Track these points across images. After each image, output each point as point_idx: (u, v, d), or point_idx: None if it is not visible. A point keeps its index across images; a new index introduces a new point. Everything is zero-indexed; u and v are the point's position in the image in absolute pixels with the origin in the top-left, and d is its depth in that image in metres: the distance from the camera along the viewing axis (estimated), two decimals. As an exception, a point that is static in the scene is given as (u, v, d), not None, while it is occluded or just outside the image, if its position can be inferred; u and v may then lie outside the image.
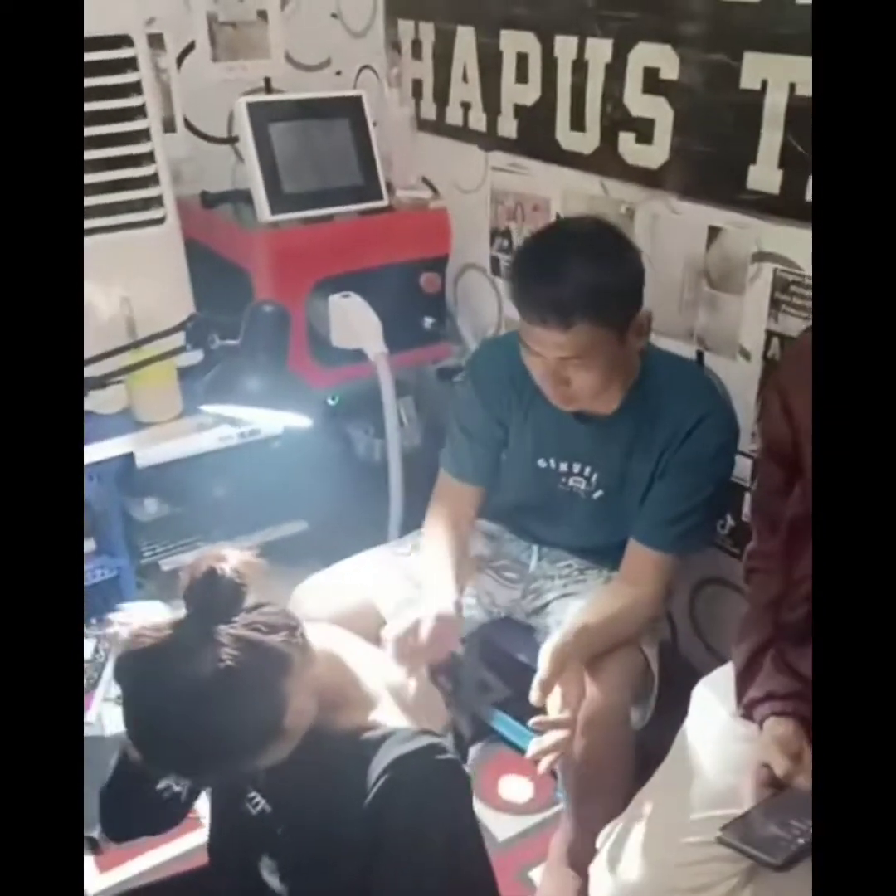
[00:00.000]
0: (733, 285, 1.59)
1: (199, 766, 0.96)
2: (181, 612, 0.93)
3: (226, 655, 0.90)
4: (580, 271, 1.26)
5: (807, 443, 1.16)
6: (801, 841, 1.00)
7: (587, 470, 1.53)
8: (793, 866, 0.99)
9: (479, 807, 1.74)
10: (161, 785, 1.15)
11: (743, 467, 1.67)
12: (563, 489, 1.56)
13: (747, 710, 1.18)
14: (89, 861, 1.65)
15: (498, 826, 1.73)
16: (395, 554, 1.68)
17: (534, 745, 1.23)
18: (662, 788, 1.24)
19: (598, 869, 1.25)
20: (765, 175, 1.46)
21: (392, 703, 1.08)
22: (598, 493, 1.53)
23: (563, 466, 1.54)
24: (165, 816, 1.19)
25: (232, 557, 0.95)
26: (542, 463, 1.55)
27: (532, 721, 1.25)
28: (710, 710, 1.25)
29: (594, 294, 1.26)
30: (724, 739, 1.20)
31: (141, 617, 0.94)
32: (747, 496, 1.67)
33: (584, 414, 1.47)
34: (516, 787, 1.82)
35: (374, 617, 1.55)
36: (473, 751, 1.88)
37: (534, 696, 1.24)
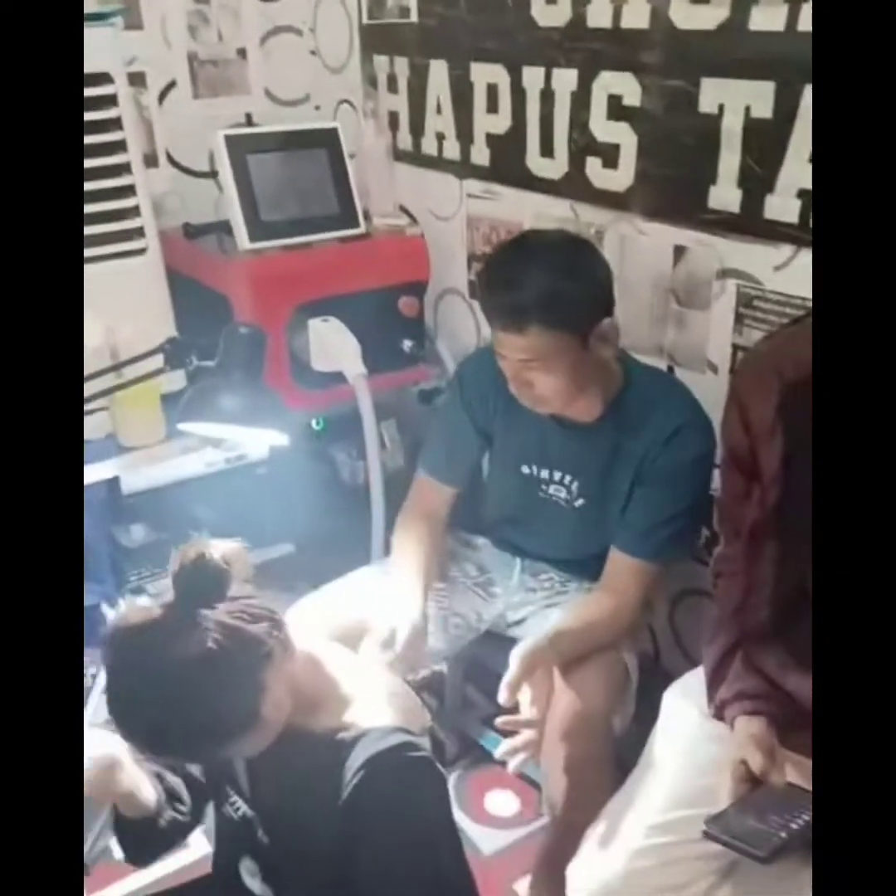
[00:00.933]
0: (699, 302, 1.64)
1: (174, 745, 0.99)
2: (169, 596, 0.97)
3: (208, 638, 0.93)
4: (535, 278, 1.32)
5: (763, 449, 1.19)
6: (782, 835, 1.03)
7: (567, 478, 1.56)
8: (776, 859, 1.02)
9: (465, 821, 1.77)
10: (165, 817, 1.18)
11: (715, 479, 1.71)
12: (544, 497, 1.60)
13: (718, 711, 1.21)
14: (77, 884, 1.66)
15: (484, 840, 1.75)
16: (385, 573, 1.70)
17: (503, 745, 1.26)
18: (636, 790, 1.26)
19: (573, 870, 1.27)
20: (725, 195, 1.52)
21: (367, 703, 1.10)
22: (579, 502, 1.56)
23: (545, 473, 1.58)
24: (173, 838, 1.23)
25: (219, 546, 0.98)
26: (525, 469, 1.59)
27: (499, 721, 1.28)
28: (681, 713, 1.28)
29: (548, 299, 1.31)
30: (695, 740, 1.23)
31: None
32: (719, 506, 1.71)
33: (566, 421, 1.51)
34: (502, 802, 1.83)
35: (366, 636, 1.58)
36: (460, 766, 1.89)
37: (501, 695, 1.27)
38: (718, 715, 1.20)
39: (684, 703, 1.28)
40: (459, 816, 1.77)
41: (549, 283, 1.32)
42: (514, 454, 1.59)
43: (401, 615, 1.43)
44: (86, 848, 1.67)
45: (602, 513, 1.55)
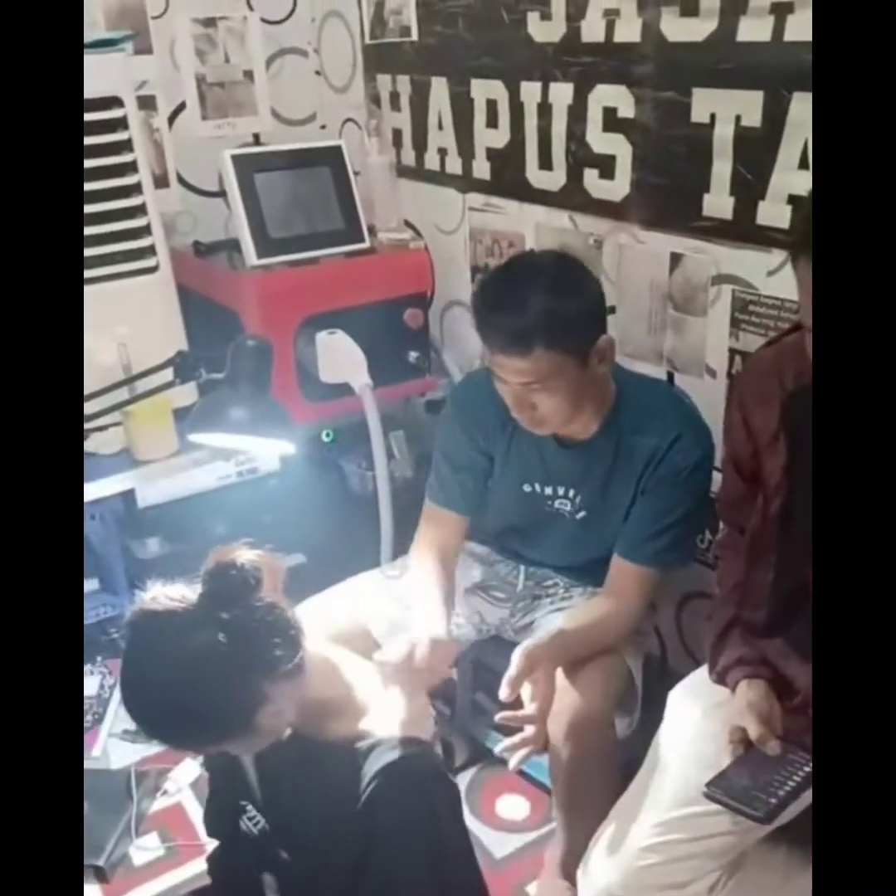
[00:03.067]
0: (696, 308, 1.67)
1: (168, 731, 1.02)
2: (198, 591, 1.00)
3: (217, 638, 0.95)
4: (536, 300, 1.32)
5: (766, 457, 1.21)
6: (779, 794, 1.08)
7: (571, 492, 1.58)
8: (772, 820, 1.08)
9: (476, 825, 1.78)
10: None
11: (718, 483, 1.73)
12: (548, 511, 1.62)
13: (720, 677, 1.25)
14: (96, 890, 1.69)
15: (495, 844, 1.76)
16: (386, 576, 1.74)
17: (504, 742, 1.28)
18: (642, 789, 1.27)
19: (583, 873, 1.28)
20: (718, 202, 1.55)
21: (382, 712, 1.12)
22: (581, 514, 1.58)
23: (548, 490, 1.59)
24: None
25: (253, 555, 1.01)
26: (527, 488, 1.61)
27: (498, 717, 1.30)
28: (684, 711, 1.30)
29: (550, 321, 1.32)
30: (698, 738, 1.24)
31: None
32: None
33: (564, 439, 1.53)
34: (513, 806, 1.84)
35: (366, 638, 1.61)
36: (471, 772, 1.91)
37: (503, 692, 1.30)
38: (720, 681, 1.24)
39: (689, 701, 1.30)
40: (471, 821, 1.79)
41: (549, 304, 1.32)
42: (515, 473, 1.60)
43: (422, 631, 1.36)
44: (105, 854, 1.71)
45: (604, 523, 1.57)
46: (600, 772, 1.46)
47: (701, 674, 1.33)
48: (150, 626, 0.99)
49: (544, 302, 1.32)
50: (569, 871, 1.56)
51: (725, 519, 1.39)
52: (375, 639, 1.62)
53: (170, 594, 0.99)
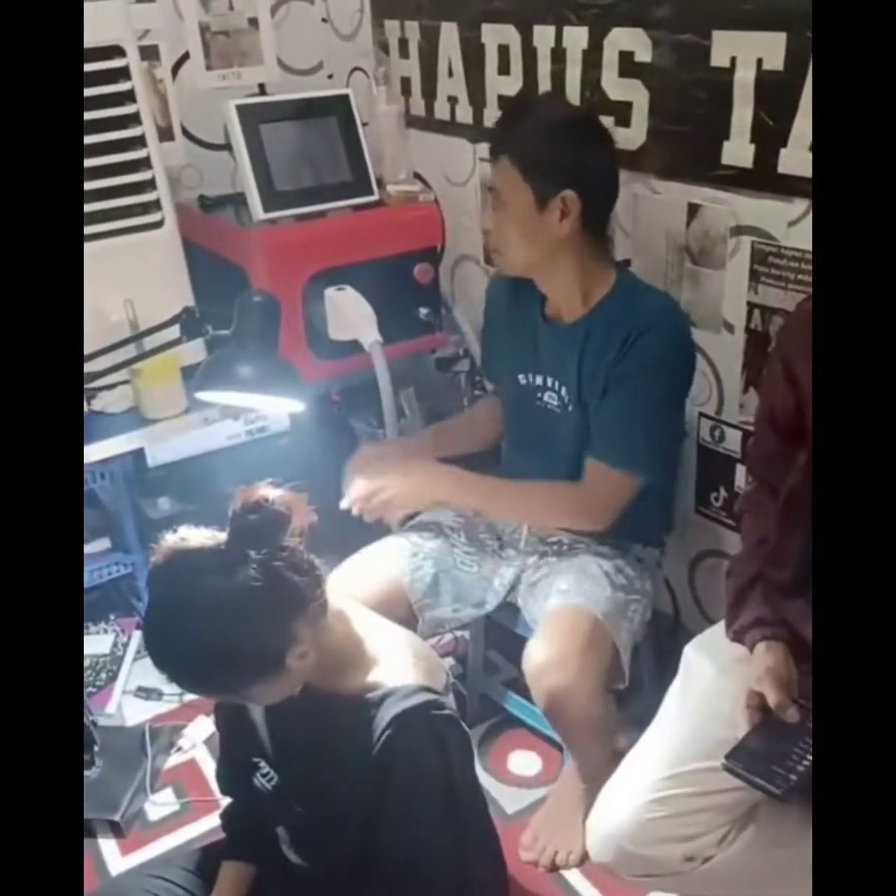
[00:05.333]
0: (714, 260, 1.63)
1: (195, 674, 1.02)
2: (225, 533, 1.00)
3: (251, 578, 0.96)
4: (528, 120, 1.46)
5: (810, 412, 1.19)
6: (799, 769, 1.06)
7: (556, 383, 1.59)
8: (792, 795, 1.05)
9: (488, 781, 1.79)
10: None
11: (733, 439, 1.70)
12: (540, 407, 1.62)
13: (738, 636, 1.23)
14: (112, 844, 1.71)
15: (508, 800, 1.77)
16: (422, 538, 1.72)
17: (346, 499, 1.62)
18: (651, 743, 1.27)
19: (591, 822, 1.29)
20: (738, 150, 1.50)
21: (393, 663, 1.12)
22: (571, 408, 1.58)
23: (539, 380, 1.61)
24: None
25: (282, 494, 1.01)
26: (522, 379, 1.64)
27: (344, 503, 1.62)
28: (698, 666, 1.29)
29: (522, 138, 1.43)
30: (711, 694, 1.24)
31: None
32: (739, 468, 1.71)
33: (552, 320, 1.57)
34: (525, 762, 1.85)
35: (403, 600, 1.61)
36: (483, 728, 1.92)
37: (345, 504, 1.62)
38: (737, 639, 1.23)
39: (704, 657, 1.29)
40: (483, 777, 1.80)
41: (533, 127, 1.44)
42: (512, 363, 1.65)
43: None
44: (121, 809, 1.72)
45: (588, 422, 1.55)
46: (592, 734, 1.51)
47: (717, 630, 1.32)
48: (182, 564, 0.99)
49: (531, 123, 1.45)
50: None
51: (755, 474, 1.37)
52: (413, 603, 1.61)
53: (201, 533, 1.00)
